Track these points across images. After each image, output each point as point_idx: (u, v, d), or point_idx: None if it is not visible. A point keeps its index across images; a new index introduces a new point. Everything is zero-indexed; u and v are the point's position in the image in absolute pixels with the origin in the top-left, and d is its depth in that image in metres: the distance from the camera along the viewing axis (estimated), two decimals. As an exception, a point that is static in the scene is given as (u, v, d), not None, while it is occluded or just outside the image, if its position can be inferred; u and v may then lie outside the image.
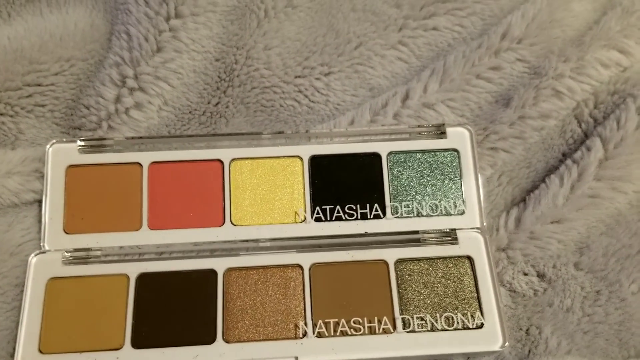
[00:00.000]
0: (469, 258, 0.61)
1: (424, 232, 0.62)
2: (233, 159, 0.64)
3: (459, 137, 0.64)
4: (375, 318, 0.58)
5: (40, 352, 0.57)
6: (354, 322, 0.58)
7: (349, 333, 0.58)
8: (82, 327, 0.58)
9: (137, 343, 0.57)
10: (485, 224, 0.62)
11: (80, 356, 0.57)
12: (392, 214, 0.62)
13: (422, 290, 0.59)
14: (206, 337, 0.58)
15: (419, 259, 0.61)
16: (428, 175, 0.64)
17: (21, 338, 0.57)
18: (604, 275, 0.61)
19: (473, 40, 0.70)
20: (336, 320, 0.58)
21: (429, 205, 0.63)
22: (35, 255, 0.60)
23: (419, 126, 0.65)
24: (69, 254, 0.60)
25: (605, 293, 0.61)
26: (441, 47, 0.71)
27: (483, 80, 0.67)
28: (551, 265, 0.61)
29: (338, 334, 0.58)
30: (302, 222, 0.62)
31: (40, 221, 0.62)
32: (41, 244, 0.61)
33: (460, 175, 0.64)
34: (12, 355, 0.57)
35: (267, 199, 0.63)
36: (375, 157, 0.64)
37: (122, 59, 0.66)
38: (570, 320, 0.59)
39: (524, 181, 0.66)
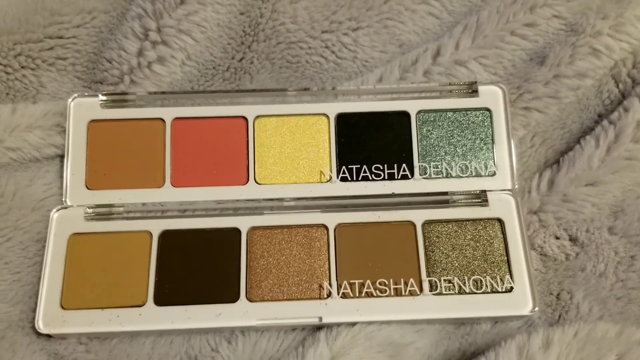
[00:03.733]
0: (500, 220, 0.59)
1: (453, 193, 0.60)
2: (257, 116, 0.62)
3: (491, 95, 0.62)
4: (402, 280, 0.57)
5: (62, 307, 0.57)
6: (380, 284, 0.57)
7: (374, 294, 0.57)
8: (104, 283, 0.57)
9: (160, 300, 0.57)
10: (516, 185, 0.60)
11: (103, 312, 0.56)
12: (421, 175, 0.61)
13: (450, 253, 0.58)
14: (229, 295, 0.57)
15: (448, 221, 0.59)
16: (458, 135, 0.62)
17: (43, 293, 0.57)
18: (639, 240, 0.59)
19: (508, -5, 0.67)
20: (361, 281, 0.57)
21: (459, 166, 0.61)
22: (57, 210, 0.60)
23: (450, 84, 0.63)
24: (91, 209, 0.60)
25: (640, 258, 0.59)
26: (474, 2, 0.69)
27: (517, 37, 0.64)
28: (584, 229, 0.60)
29: (363, 295, 0.57)
30: (327, 181, 0.61)
31: (62, 176, 0.61)
32: (63, 199, 0.60)
33: (492, 136, 0.62)
34: (34, 310, 0.57)
35: (292, 157, 0.62)
36: (404, 115, 0.62)
37: (144, 11, 0.64)
38: (603, 285, 0.58)
39: (558, 142, 0.64)
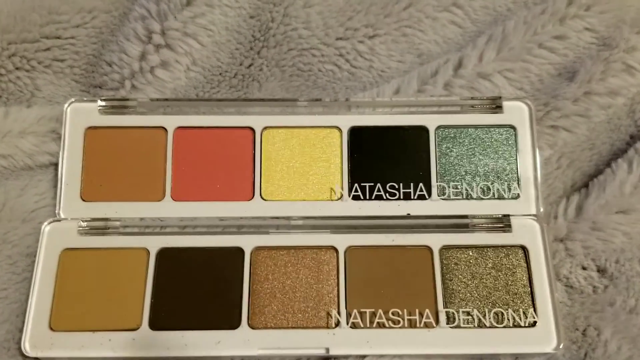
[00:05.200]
0: (523, 248, 0.56)
1: (474, 216, 0.57)
2: (265, 127, 0.59)
3: (516, 112, 0.59)
4: (417, 310, 0.54)
5: (51, 329, 0.53)
6: (393, 314, 0.54)
7: (387, 325, 0.53)
8: (97, 303, 0.54)
9: (155, 324, 0.54)
10: (542, 210, 0.57)
11: (94, 335, 0.53)
12: (439, 195, 0.57)
13: (470, 282, 0.55)
14: (230, 321, 0.54)
15: (467, 247, 0.56)
16: (480, 154, 0.58)
17: (31, 313, 0.54)
18: (673, 274, 0.56)
19: (536, 5, 0.64)
20: (373, 310, 0.54)
21: (480, 187, 0.58)
22: (49, 223, 0.57)
23: (472, 98, 0.59)
24: (86, 223, 0.57)
25: (673, 294, 0.55)
26: (500, 12, 0.65)
27: (546, 50, 0.61)
28: (614, 259, 0.56)
29: (374, 325, 0.53)
30: (338, 199, 0.58)
31: (55, 186, 0.59)
32: (56, 211, 0.57)
33: (516, 155, 0.58)
34: (21, 330, 0.54)
35: (300, 172, 0.59)
36: (422, 130, 0.59)
37: (148, 12, 0.62)
38: (634, 322, 0.54)
39: (586, 164, 0.61)
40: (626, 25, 0.61)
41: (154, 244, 0.56)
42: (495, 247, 0.56)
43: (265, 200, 0.58)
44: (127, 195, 0.58)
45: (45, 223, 0.57)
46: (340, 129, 0.59)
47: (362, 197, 0.58)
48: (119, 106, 0.59)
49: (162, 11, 0.61)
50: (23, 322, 0.54)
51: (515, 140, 0.59)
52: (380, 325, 0.53)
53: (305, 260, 0.56)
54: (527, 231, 0.56)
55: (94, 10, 0.64)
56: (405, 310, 0.54)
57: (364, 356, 0.52)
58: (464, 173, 0.58)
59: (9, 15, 0.62)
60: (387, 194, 0.58)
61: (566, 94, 0.60)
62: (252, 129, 0.59)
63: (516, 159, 0.58)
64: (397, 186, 0.58)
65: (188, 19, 0.61)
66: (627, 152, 0.59)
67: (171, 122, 0.59)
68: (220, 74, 0.65)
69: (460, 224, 0.57)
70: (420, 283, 0.55)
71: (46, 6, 0.63)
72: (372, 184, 0.58)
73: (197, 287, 0.55)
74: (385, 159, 0.59)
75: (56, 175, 0.59)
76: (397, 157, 0.59)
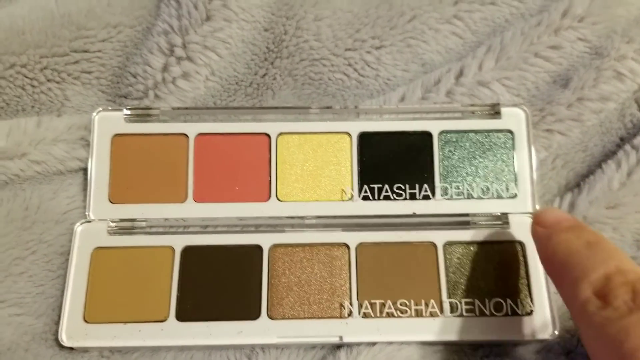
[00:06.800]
0: (520, 243, 0.59)
1: (474, 215, 0.60)
2: (280, 133, 0.63)
3: (513, 117, 0.62)
4: (422, 301, 0.57)
5: (85, 321, 0.57)
6: (400, 304, 0.57)
7: (395, 315, 0.57)
8: (127, 297, 0.58)
9: (182, 316, 0.57)
10: (538, 208, 0.60)
11: (125, 327, 0.57)
12: (442, 195, 0.61)
13: (471, 275, 0.58)
14: (251, 313, 0.57)
15: (469, 242, 0.59)
16: (480, 157, 0.62)
17: (66, 307, 0.57)
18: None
19: (532, 16, 0.67)
20: (382, 301, 0.57)
21: (480, 188, 0.61)
22: (81, 224, 0.60)
23: (472, 105, 0.63)
24: (114, 224, 0.60)
25: (660, 284, 0.59)
26: (498, 23, 0.68)
27: (541, 59, 0.64)
28: (605, 253, 0.59)
29: (384, 315, 0.57)
30: (349, 200, 0.61)
31: (85, 190, 0.62)
32: (86, 212, 0.61)
33: (514, 157, 0.62)
34: (57, 323, 0.57)
35: (314, 175, 0.62)
36: (426, 135, 0.62)
37: (170, 27, 0.65)
38: (623, 311, 0.57)
39: (579, 165, 0.64)
40: (617, 35, 0.64)
41: (179, 242, 0.60)
42: (494, 242, 0.59)
43: (280, 201, 0.61)
44: (152, 197, 0.61)
45: (77, 224, 0.60)
46: (350, 135, 0.63)
47: (371, 198, 0.61)
48: (143, 114, 0.63)
49: (184, 26, 0.64)
50: (59, 315, 0.57)
51: (513, 144, 0.62)
52: (390, 315, 0.57)
53: (319, 256, 0.59)
54: (524, 227, 0.59)
55: (119, 25, 0.67)
56: (412, 300, 0.57)
57: (375, 343, 0.56)
58: (465, 174, 0.62)
59: (40, 31, 0.65)
60: (394, 195, 0.61)
61: (560, 100, 0.63)
62: (268, 135, 0.62)
63: (513, 161, 0.62)
64: (403, 187, 0.61)
65: (208, 33, 0.64)
66: (617, 153, 0.62)
67: (192, 129, 0.62)
68: (236, 83, 0.67)
69: (462, 221, 0.60)
70: (426, 276, 0.58)
71: (75, 22, 0.66)
72: (380, 185, 0.61)
73: (220, 282, 0.58)
74: (392, 162, 0.62)
75: (86, 179, 0.62)
76: (403, 160, 0.62)
